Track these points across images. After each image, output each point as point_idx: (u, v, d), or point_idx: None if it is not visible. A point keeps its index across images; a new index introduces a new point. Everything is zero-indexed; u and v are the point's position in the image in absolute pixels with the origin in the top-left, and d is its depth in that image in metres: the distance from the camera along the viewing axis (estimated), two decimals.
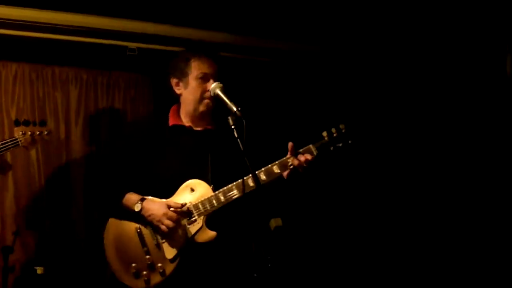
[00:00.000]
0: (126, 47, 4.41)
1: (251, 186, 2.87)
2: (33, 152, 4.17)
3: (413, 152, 4.92)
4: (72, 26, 4.18)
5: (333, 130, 3.00)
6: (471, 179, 4.58)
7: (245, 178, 2.86)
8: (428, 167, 4.83)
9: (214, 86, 2.94)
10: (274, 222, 2.61)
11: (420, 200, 4.84)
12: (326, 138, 3.00)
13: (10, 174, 4.13)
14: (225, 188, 2.96)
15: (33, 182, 4.21)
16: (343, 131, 3.00)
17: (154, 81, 4.60)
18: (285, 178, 2.97)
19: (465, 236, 4.57)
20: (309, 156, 2.95)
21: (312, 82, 5.18)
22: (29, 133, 3.58)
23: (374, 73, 5.11)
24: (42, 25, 4.10)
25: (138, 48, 4.43)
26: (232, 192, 2.95)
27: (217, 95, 2.91)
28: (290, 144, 2.99)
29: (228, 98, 2.84)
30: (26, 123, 3.61)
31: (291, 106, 5.08)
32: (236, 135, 2.67)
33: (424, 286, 4.69)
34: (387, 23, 4.86)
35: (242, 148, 2.66)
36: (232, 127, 2.69)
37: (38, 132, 3.62)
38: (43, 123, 3.68)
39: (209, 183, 3.00)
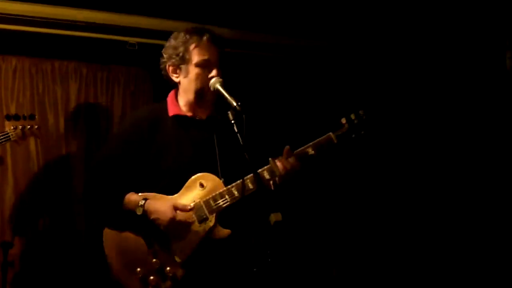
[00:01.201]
0: (126, 42, 4.40)
1: (267, 179, 2.76)
2: (32, 146, 4.19)
3: (411, 147, 4.91)
4: (71, 20, 4.19)
5: (353, 116, 2.87)
6: (471, 174, 4.58)
7: (259, 171, 2.72)
8: (427, 161, 4.83)
9: (213, 81, 2.79)
10: (274, 217, 2.56)
11: (418, 195, 4.84)
12: (346, 125, 2.85)
13: (9, 168, 4.13)
14: (238, 182, 2.75)
15: (33, 176, 4.21)
16: (364, 117, 2.86)
17: (154, 75, 4.59)
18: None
19: (466, 234, 4.57)
20: (290, 163, 2.79)
21: (317, 78, 5.17)
22: (20, 127, 3.61)
23: (375, 69, 5.11)
24: (42, 19, 4.10)
25: (138, 43, 4.41)
26: (247, 186, 2.74)
27: (217, 90, 2.77)
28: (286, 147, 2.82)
29: (228, 93, 2.71)
30: (17, 117, 3.63)
31: (299, 101, 5.08)
32: (236, 130, 2.58)
33: (424, 286, 4.69)
34: (388, 19, 4.86)
35: (242, 143, 2.57)
36: (232, 121, 2.59)
37: (28, 126, 3.65)
38: (32, 117, 3.70)
39: (219, 176, 2.82)
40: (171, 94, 3.00)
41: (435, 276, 4.63)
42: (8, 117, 3.64)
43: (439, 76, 4.79)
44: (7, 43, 4.12)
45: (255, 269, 2.60)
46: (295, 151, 2.83)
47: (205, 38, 2.87)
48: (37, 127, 3.70)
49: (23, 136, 3.64)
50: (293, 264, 4.64)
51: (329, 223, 5.01)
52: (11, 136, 3.59)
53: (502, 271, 4.33)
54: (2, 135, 3.58)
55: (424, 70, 4.88)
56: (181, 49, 2.88)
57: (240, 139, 2.58)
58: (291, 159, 2.80)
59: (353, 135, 2.86)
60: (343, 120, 2.87)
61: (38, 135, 3.80)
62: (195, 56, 2.86)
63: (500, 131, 4.46)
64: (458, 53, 4.68)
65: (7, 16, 3.99)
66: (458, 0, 4.54)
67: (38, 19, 4.08)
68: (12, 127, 3.60)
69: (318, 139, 2.85)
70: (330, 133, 2.85)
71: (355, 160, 4.97)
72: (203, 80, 2.85)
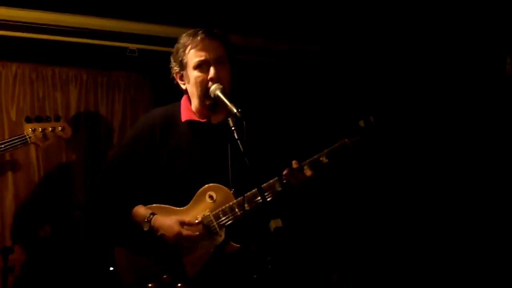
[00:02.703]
0: (126, 48, 4.40)
1: (279, 190, 2.68)
2: (32, 152, 4.18)
3: (410, 152, 4.91)
4: (72, 27, 4.18)
5: (372, 118, 2.71)
6: (470, 179, 4.58)
7: (271, 181, 2.67)
8: (427, 167, 4.82)
9: (213, 88, 2.69)
10: (274, 223, 2.54)
11: (419, 200, 4.83)
12: (364, 129, 2.71)
13: (9, 173, 4.13)
14: (248, 193, 2.66)
15: (33, 181, 4.21)
16: (382, 119, 2.71)
17: (154, 80, 4.60)
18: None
19: (466, 235, 4.56)
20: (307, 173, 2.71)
21: (320, 82, 5.18)
22: (40, 129, 3.49)
23: (375, 73, 5.12)
24: (42, 26, 4.10)
25: (138, 49, 4.41)
26: (257, 198, 2.66)
27: (217, 97, 2.67)
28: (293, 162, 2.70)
29: (228, 99, 2.60)
30: (39, 119, 3.51)
31: (305, 107, 5.08)
32: (236, 137, 2.48)
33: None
34: (387, 23, 4.86)
35: (242, 150, 2.47)
36: (232, 128, 2.50)
37: (50, 128, 3.52)
38: (57, 118, 3.58)
39: (229, 185, 2.74)
40: (185, 98, 2.90)
41: (436, 282, 4.63)
42: (28, 120, 3.50)
43: (438, 81, 4.79)
44: (7, 50, 4.11)
45: (255, 276, 2.58)
46: (307, 160, 2.74)
47: (199, 37, 2.75)
48: (61, 129, 3.56)
49: (44, 138, 3.51)
50: (293, 270, 4.63)
51: (329, 228, 5.00)
52: (28, 139, 3.46)
53: (502, 271, 4.34)
54: (18, 138, 3.46)
55: (424, 74, 4.88)
56: (180, 54, 2.79)
57: (240, 146, 2.49)
58: (304, 172, 2.71)
59: (371, 140, 2.72)
60: (361, 123, 2.74)
61: (64, 136, 3.65)
62: (192, 59, 2.75)
63: (500, 137, 4.46)
64: (458, 58, 4.68)
65: (7, 22, 3.99)
66: (458, 4, 4.54)
67: (38, 26, 4.08)
68: (31, 129, 3.47)
69: (332, 146, 2.74)
70: (346, 139, 2.74)
71: (354, 163, 4.97)
72: (203, 83, 2.75)
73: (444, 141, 4.75)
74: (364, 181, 5.05)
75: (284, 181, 2.73)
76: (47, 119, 3.53)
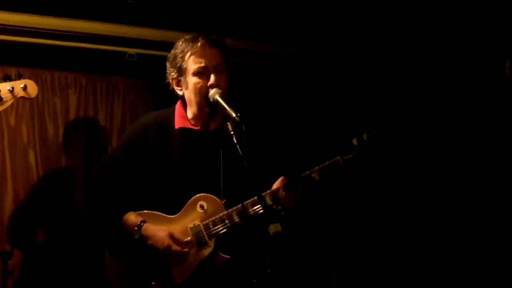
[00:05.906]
0: (125, 52, 4.40)
1: (269, 204, 2.70)
2: (32, 157, 4.17)
3: (410, 154, 4.91)
4: (71, 32, 4.18)
5: (365, 136, 2.71)
6: (471, 185, 4.57)
7: (262, 194, 2.64)
8: (425, 173, 4.82)
9: (212, 93, 2.70)
10: (273, 228, 2.54)
11: (419, 204, 4.83)
12: (357, 148, 2.71)
13: (9, 178, 4.12)
14: (239, 206, 2.66)
15: (32, 186, 4.20)
16: (377, 137, 2.70)
17: (154, 84, 4.60)
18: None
19: (466, 236, 4.56)
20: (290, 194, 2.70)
21: (322, 87, 5.18)
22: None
23: (374, 78, 5.12)
24: (41, 30, 4.09)
25: (137, 54, 4.41)
26: (248, 211, 2.69)
27: (216, 101, 2.68)
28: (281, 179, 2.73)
29: (227, 104, 2.62)
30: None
31: (304, 112, 5.08)
32: (235, 141, 2.50)
33: None
34: (386, 27, 4.86)
35: (241, 154, 2.48)
36: (232, 133, 2.51)
37: (9, 88, 2.93)
38: (20, 76, 3.05)
39: (220, 195, 2.77)
40: (179, 105, 2.90)
41: (435, 284, 4.63)
42: None
43: (437, 84, 4.79)
44: (6, 54, 4.11)
45: (254, 281, 2.59)
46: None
47: (199, 44, 2.76)
48: (23, 87, 2.96)
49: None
50: (293, 274, 4.63)
51: (328, 231, 5.00)
52: None
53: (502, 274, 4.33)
54: None
55: (422, 77, 4.87)
56: (178, 60, 2.80)
57: (239, 150, 2.50)
58: (291, 193, 2.72)
59: (364, 159, 2.72)
60: (355, 141, 2.73)
61: (28, 96, 3.03)
62: (191, 65, 2.76)
63: (500, 142, 4.46)
64: (457, 62, 4.68)
65: (7, 27, 3.99)
66: (457, 8, 4.55)
67: (38, 30, 4.08)
68: None
69: (324, 164, 2.74)
70: (338, 157, 2.73)
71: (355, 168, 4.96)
72: (202, 90, 2.76)
73: (443, 146, 4.75)
74: (363, 184, 5.05)
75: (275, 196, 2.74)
76: (5, 79, 2.98)
